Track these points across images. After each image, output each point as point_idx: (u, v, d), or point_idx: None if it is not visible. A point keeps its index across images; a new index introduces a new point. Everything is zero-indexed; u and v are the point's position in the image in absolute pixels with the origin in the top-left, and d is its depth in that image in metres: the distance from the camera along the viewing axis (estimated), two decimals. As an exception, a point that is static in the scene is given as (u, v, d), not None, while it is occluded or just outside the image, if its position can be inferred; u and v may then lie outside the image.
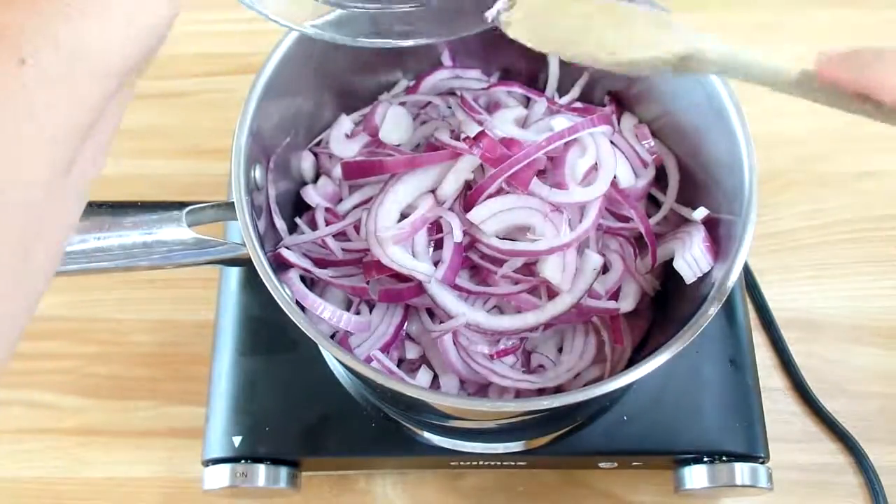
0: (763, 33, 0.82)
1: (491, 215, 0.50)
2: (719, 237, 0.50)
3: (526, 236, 0.51)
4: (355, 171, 0.55)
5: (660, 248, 0.54)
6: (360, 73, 0.59)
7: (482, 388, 0.54)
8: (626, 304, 0.54)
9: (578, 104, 0.59)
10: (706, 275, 0.49)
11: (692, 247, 0.50)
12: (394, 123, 0.57)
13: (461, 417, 0.53)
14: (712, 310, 0.44)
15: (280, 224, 0.54)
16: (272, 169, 0.53)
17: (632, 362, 0.54)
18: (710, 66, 0.35)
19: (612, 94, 0.59)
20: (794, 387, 0.67)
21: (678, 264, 0.50)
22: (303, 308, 0.50)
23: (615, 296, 0.54)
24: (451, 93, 0.60)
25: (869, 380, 0.67)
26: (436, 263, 0.51)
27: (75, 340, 0.69)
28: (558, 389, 0.53)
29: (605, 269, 0.54)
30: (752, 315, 0.68)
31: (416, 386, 0.51)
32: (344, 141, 0.58)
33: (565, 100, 0.60)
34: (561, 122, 0.54)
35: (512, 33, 0.38)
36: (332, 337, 0.53)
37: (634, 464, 0.60)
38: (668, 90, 0.55)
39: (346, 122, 0.59)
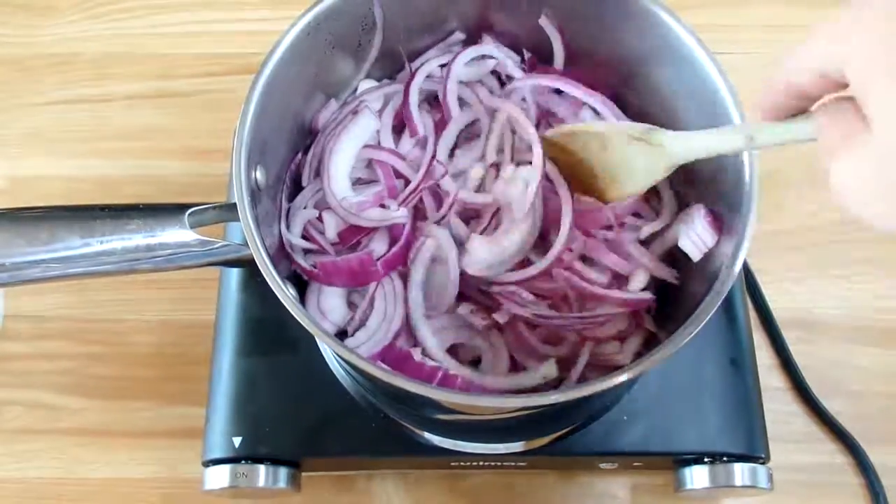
0: (773, 33, 0.82)
1: None
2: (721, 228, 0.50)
3: None
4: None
5: (665, 233, 0.54)
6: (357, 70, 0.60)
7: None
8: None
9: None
10: (706, 276, 0.49)
11: (695, 225, 0.51)
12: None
13: (462, 412, 0.53)
14: (712, 300, 0.44)
15: (283, 226, 0.54)
16: (272, 169, 0.53)
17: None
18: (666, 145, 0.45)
19: (614, 89, 0.59)
20: (794, 387, 0.67)
21: (683, 243, 0.51)
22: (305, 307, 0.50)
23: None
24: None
25: (869, 380, 0.67)
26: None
27: (75, 340, 0.69)
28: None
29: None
30: (752, 315, 0.68)
31: (417, 382, 0.51)
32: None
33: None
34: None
35: None
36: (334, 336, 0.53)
37: (635, 464, 0.60)
38: (669, 90, 0.55)
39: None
